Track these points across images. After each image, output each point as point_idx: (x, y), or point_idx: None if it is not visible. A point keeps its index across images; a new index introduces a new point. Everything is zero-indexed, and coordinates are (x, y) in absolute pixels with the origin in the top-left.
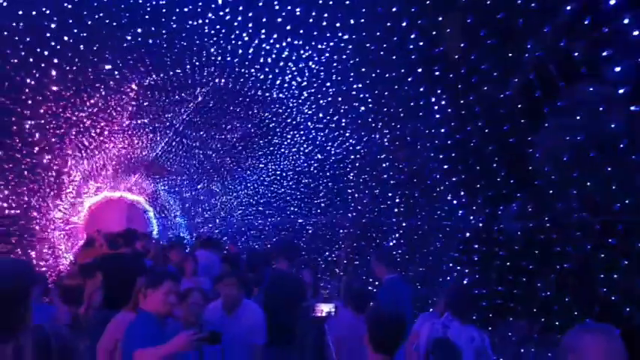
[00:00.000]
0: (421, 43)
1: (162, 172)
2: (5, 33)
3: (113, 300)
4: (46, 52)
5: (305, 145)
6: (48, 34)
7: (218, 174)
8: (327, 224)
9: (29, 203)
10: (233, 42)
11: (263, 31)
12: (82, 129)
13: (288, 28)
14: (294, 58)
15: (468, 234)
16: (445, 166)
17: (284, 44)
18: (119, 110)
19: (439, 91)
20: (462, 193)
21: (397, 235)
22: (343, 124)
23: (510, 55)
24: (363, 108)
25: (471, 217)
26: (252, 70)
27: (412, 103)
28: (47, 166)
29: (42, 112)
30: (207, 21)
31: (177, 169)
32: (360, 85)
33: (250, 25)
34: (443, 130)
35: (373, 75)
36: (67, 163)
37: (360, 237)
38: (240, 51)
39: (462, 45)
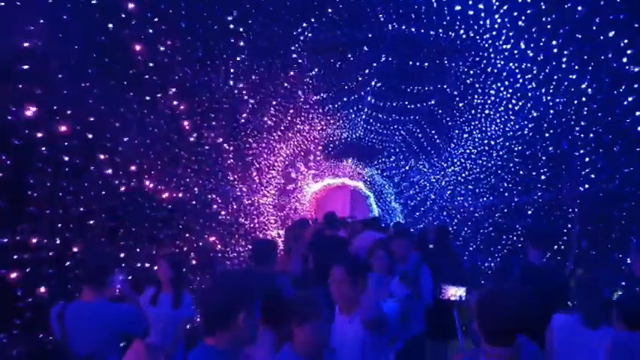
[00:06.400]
0: None
1: (369, 154)
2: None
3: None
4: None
5: (513, 101)
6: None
7: (422, 150)
8: (551, 202)
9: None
10: None
11: None
12: (274, 111)
13: None
14: None
15: None
16: None
17: None
18: (306, 89)
19: None
20: None
21: None
22: (564, 60)
23: None
24: (595, 22)
25: None
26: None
27: None
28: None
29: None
30: None
31: (382, 149)
32: None
33: None
34: None
35: None
36: (260, 149)
37: (597, 217)
38: None
39: None
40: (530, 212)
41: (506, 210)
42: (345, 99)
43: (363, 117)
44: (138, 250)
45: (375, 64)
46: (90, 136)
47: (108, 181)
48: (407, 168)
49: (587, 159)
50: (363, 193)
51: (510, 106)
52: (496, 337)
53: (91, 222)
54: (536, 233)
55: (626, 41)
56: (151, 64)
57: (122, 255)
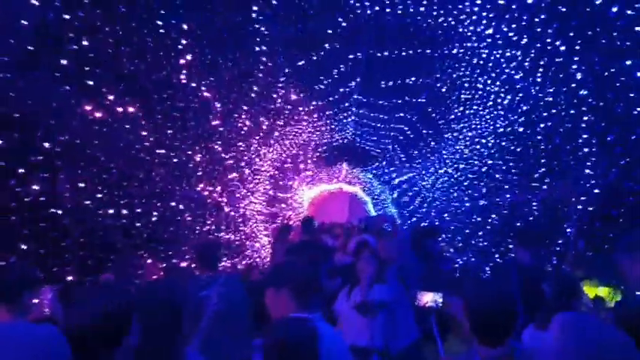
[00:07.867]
0: None
1: (363, 158)
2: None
3: None
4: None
5: (502, 95)
6: None
7: (414, 151)
8: (546, 201)
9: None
10: None
11: None
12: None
13: None
14: None
15: None
16: None
17: None
18: (285, 88)
19: None
20: None
21: None
22: (548, 41)
23: None
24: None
25: None
26: None
27: None
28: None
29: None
30: None
31: (376, 153)
32: None
33: None
34: None
35: None
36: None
37: (595, 215)
38: None
39: None
40: (524, 211)
41: (499, 211)
42: (330, 98)
43: (352, 118)
44: (89, 262)
45: (356, 56)
46: (16, 135)
47: (46, 186)
48: (401, 172)
49: (579, 153)
50: (361, 198)
51: (499, 100)
52: (486, 336)
53: (26, 232)
54: (523, 232)
55: (618, 13)
56: (91, 55)
57: (67, 268)
